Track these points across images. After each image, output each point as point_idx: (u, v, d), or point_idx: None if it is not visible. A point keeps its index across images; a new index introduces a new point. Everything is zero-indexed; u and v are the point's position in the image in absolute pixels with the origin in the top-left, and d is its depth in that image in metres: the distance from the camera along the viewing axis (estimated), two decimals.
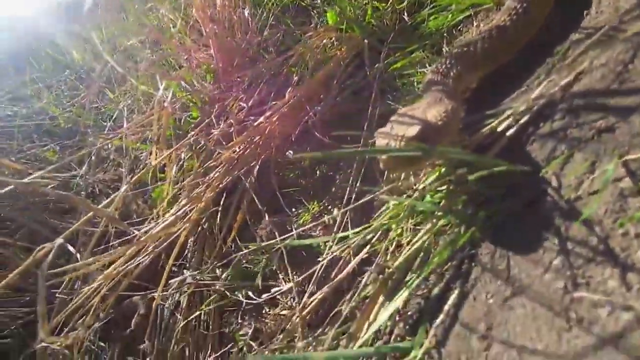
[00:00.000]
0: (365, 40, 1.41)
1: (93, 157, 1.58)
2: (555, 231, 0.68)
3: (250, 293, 1.08)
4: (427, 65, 1.32)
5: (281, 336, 1.05)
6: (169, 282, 1.30)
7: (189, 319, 1.28)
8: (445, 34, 1.36)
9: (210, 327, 1.27)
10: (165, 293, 1.32)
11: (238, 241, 1.32)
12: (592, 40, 0.86)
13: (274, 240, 1.00)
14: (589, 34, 0.90)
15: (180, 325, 1.28)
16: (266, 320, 1.21)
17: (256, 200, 1.24)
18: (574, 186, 0.70)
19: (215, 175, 1.16)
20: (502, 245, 0.73)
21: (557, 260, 0.66)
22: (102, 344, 1.44)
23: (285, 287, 0.96)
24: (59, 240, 0.88)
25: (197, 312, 1.28)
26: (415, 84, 1.29)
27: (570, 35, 0.97)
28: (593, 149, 0.71)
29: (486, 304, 0.70)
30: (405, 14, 1.43)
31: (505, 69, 1.06)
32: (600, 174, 0.67)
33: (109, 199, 1.07)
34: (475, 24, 1.32)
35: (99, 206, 1.27)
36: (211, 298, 1.28)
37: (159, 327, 1.34)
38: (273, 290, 1.00)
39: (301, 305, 0.99)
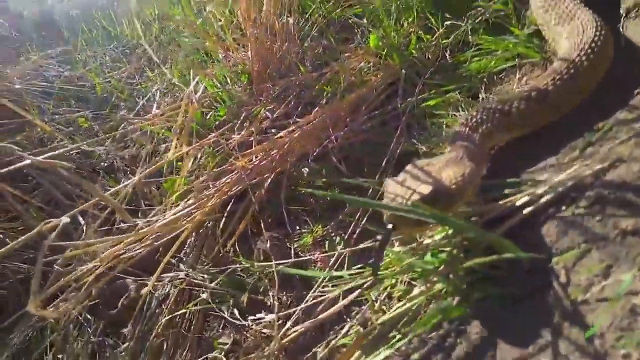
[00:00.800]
0: (404, 71, 1.38)
1: (118, 135, 1.62)
2: (553, 330, 0.64)
3: (235, 310, 1.07)
4: (460, 108, 1.27)
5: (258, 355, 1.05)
6: (163, 275, 1.31)
7: (174, 315, 1.29)
8: (485, 80, 1.31)
9: (193, 327, 1.28)
10: (157, 283, 1.33)
11: (237, 248, 1.32)
12: (638, 126, 0.80)
13: (268, 264, 0.98)
14: (635, 117, 0.84)
15: (165, 319, 1.29)
16: (247, 335, 1.20)
17: (261, 213, 1.24)
18: (584, 287, 0.65)
19: (227, 182, 1.16)
20: (493, 330, 0.69)
21: None
22: (89, 317, 1.47)
23: (268, 317, 0.95)
24: (65, 219, 0.91)
25: (183, 310, 1.28)
26: (445, 126, 1.24)
27: (617, 112, 0.91)
28: (613, 251, 0.66)
29: None
30: (448, 51, 1.39)
31: (542, 130, 1.00)
32: (615, 282, 0.62)
33: (120, 186, 1.09)
34: (518, 75, 1.26)
35: (116, 187, 1.30)
36: (199, 299, 1.28)
37: (144, 316, 1.36)
38: (250, 318, 1.00)
39: (282, 333, 0.97)
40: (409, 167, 0.83)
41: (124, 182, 1.44)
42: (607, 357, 0.57)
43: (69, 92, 2.06)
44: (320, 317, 0.88)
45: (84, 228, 1.40)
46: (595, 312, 0.61)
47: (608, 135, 0.84)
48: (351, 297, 0.88)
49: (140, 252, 1.15)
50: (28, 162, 0.93)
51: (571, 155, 0.85)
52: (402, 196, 0.72)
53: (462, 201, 0.76)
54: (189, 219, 1.15)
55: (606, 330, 0.59)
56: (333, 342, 0.83)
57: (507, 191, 0.82)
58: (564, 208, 0.76)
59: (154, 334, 1.28)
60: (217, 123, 1.51)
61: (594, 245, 0.68)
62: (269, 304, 1.21)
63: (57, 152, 1.11)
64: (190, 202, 1.17)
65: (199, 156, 1.30)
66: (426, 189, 0.73)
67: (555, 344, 0.62)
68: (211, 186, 1.18)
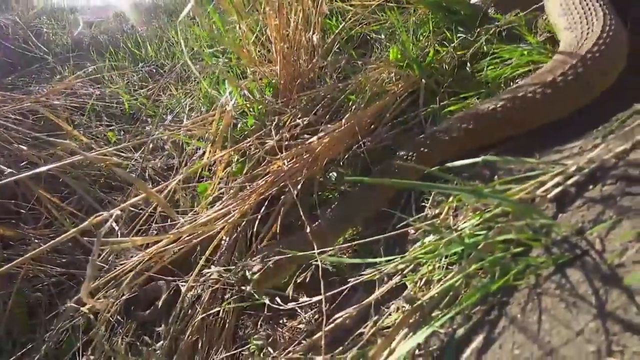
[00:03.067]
0: (423, 80, 1.47)
1: (151, 145, 1.70)
2: (593, 294, 0.68)
3: (278, 299, 1.10)
4: None
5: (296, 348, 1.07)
6: (196, 274, 1.34)
7: (207, 314, 1.32)
8: (502, 85, 1.39)
9: (227, 325, 1.30)
10: (191, 284, 1.37)
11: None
12: None
13: (307, 253, 1.02)
14: None
15: (199, 318, 1.31)
16: (282, 331, 1.23)
17: (291, 215, 1.29)
18: (618, 252, 0.70)
19: (262, 183, 1.22)
20: (536, 299, 0.73)
21: (592, 323, 0.65)
22: (120, 318, 1.50)
23: (314, 299, 0.97)
24: (116, 212, 0.94)
25: (217, 309, 1.31)
26: None
27: (634, 105, 0.98)
28: None
29: (512, 354, 0.70)
30: (465, 61, 1.48)
31: (560, 124, 1.08)
32: None
33: (161, 186, 1.15)
34: None
35: (158, 187, 1.36)
36: (232, 298, 1.32)
37: (178, 315, 1.39)
38: (302, 300, 1.01)
39: (327, 321, 0.99)
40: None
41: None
42: None
43: (99, 109, 2.16)
44: (364, 302, 0.91)
45: (116, 228, 1.46)
46: (632, 273, 0.66)
47: (626, 123, 0.92)
48: (392, 281, 0.93)
49: (180, 250, 1.19)
50: (81, 157, 0.98)
51: (594, 143, 0.91)
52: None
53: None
54: (227, 218, 1.21)
55: None
56: (379, 322, 0.86)
57: (532, 172, 0.88)
58: (590, 187, 0.82)
59: (187, 333, 1.31)
60: (246, 132, 1.59)
61: (624, 216, 0.73)
62: (304, 298, 1.24)
63: (100, 150, 1.17)
64: (229, 201, 1.22)
65: (234, 160, 1.36)
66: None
67: (599, 306, 0.67)
68: (248, 187, 1.24)
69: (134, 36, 2.82)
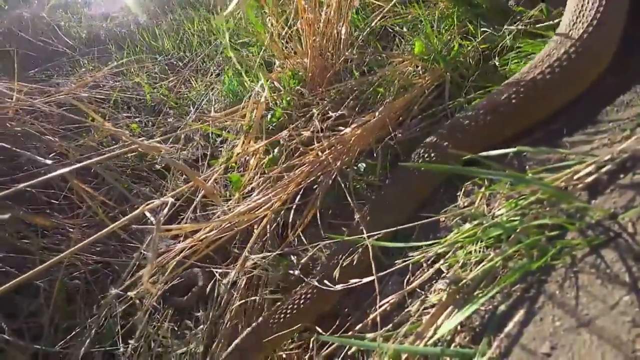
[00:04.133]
0: (448, 74, 1.52)
1: (183, 136, 1.75)
2: (627, 271, 0.75)
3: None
4: None
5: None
6: (231, 264, 1.41)
7: (245, 300, 1.38)
8: None
9: (265, 310, 1.37)
10: (224, 271, 1.43)
11: (302, 237, 1.43)
12: None
13: (359, 236, 1.07)
14: None
15: (237, 304, 1.38)
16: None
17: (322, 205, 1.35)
18: None
19: (299, 173, 1.28)
20: (572, 277, 0.80)
21: (627, 297, 0.72)
22: (156, 304, 1.56)
23: (364, 280, 1.03)
24: (170, 199, 0.98)
25: (254, 297, 1.37)
26: None
27: None
28: None
29: (552, 326, 0.77)
30: (490, 55, 1.54)
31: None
32: None
33: (206, 174, 1.20)
34: None
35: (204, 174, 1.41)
36: (268, 284, 1.38)
37: (214, 301, 1.46)
38: (352, 280, 1.07)
39: (380, 302, 1.05)
40: None
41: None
42: None
43: (123, 101, 2.21)
44: (412, 284, 0.98)
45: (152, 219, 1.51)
46: None
47: None
48: (438, 264, 0.99)
49: (221, 238, 1.26)
50: (135, 146, 1.03)
51: (623, 134, 0.98)
52: None
53: None
54: (267, 206, 1.27)
55: None
56: (426, 300, 0.93)
57: (564, 163, 0.95)
58: (621, 175, 0.89)
59: (227, 317, 1.38)
60: (274, 124, 1.64)
61: None
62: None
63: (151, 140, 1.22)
64: (269, 190, 1.28)
65: (262, 150, 1.42)
66: None
67: (633, 282, 0.74)
68: (285, 177, 1.30)
69: (151, 29, 2.86)
